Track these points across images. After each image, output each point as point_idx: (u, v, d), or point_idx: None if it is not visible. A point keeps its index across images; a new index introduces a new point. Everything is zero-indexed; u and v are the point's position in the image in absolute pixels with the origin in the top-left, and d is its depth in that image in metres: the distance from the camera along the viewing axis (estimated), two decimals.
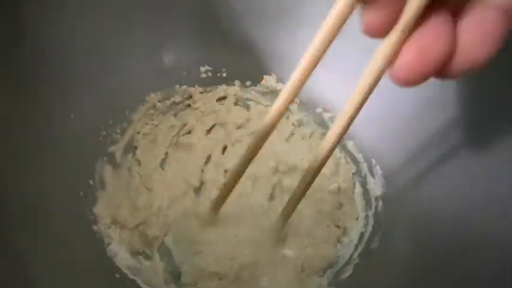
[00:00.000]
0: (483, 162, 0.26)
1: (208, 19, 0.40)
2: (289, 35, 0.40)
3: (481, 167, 0.26)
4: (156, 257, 0.29)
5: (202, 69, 0.42)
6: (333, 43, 0.37)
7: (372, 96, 0.37)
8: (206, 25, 0.40)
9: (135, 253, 0.29)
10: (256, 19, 0.40)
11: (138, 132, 0.37)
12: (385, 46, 0.16)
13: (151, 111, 0.39)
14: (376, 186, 0.35)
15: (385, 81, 0.35)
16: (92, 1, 0.31)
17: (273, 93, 0.44)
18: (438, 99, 0.30)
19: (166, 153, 0.36)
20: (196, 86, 0.42)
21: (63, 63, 0.29)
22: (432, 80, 0.30)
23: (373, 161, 0.36)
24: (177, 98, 0.41)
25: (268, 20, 0.40)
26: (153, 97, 0.39)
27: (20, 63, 0.25)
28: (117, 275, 0.26)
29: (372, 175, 0.36)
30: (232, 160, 0.36)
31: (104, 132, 0.34)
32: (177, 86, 0.41)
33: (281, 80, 0.43)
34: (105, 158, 0.33)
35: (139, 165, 0.35)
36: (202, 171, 0.35)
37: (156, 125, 0.38)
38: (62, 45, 0.29)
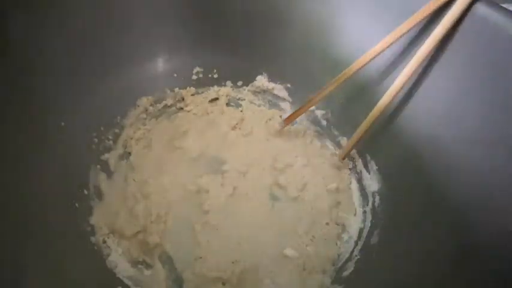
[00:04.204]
0: (480, 155, 0.27)
1: (198, 20, 0.39)
2: (279, 33, 0.40)
3: (478, 160, 0.27)
4: (158, 265, 0.29)
5: (194, 70, 0.42)
6: (323, 44, 0.37)
7: (364, 93, 0.37)
8: (196, 26, 0.39)
9: (135, 263, 0.29)
10: (246, 18, 0.39)
11: (131, 138, 0.36)
12: None
13: (144, 115, 0.38)
14: (372, 182, 0.35)
15: (375, 76, 0.35)
16: (82, 10, 0.30)
17: (265, 93, 0.44)
18: (430, 94, 0.31)
19: (161, 158, 0.36)
20: (188, 87, 0.42)
21: (52, 70, 0.28)
22: (424, 77, 0.31)
23: (368, 157, 0.36)
24: (169, 101, 0.40)
25: (258, 19, 0.40)
26: (145, 101, 0.39)
27: (8, 72, 0.24)
28: (119, 287, 0.26)
29: (367, 170, 0.36)
30: (228, 162, 0.36)
31: (96, 140, 0.33)
32: (168, 88, 0.41)
33: (272, 79, 0.44)
34: (98, 166, 0.32)
35: (134, 171, 0.34)
36: (199, 174, 0.35)
37: (149, 130, 0.38)
38: (52, 53, 0.28)
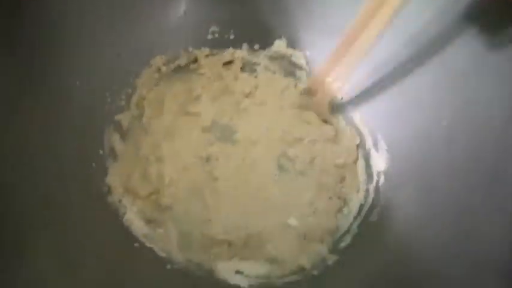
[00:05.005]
0: (489, 142, 0.27)
1: None
2: None
3: (486, 146, 0.27)
4: (169, 224, 0.31)
5: (209, 29, 0.40)
6: (338, 20, 0.35)
7: (384, 70, 0.36)
8: None
9: (149, 221, 0.31)
10: None
11: (144, 99, 0.36)
12: None
13: (156, 75, 0.38)
14: (379, 161, 0.36)
15: (401, 57, 0.34)
16: None
17: (283, 59, 0.42)
18: (453, 82, 0.30)
19: (174, 123, 0.36)
20: (202, 48, 0.40)
21: (66, 31, 0.27)
22: (440, 60, 0.30)
23: (379, 136, 0.36)
24: (182, 61, 0.39)
25: None
26: (158, 60, 0.38)
27: (23, 32, 0.23)
28: (136, 244, 0.28)
29: (376, 149, 0.37)
30: (240, 131, 0.36)
31: (109, 99, 0.33)
32: (182, 48, 0.39)
33: (291, 44, 0.41)
34: (112, 127, 0.33)
35: (147, 134, 0.35)
36: (210, 142, 0.35)
37: (162, 91, 0.37)
38: (65, 11, 0.26)
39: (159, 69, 0.38)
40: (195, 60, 0.40)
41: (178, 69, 0.39)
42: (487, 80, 0.27)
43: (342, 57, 0.32)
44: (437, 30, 0.30)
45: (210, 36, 0.40)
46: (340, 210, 0.35)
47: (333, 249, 0.33)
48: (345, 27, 0.33)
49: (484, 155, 0.27)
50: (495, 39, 0.26)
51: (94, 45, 0.31)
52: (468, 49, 0.27)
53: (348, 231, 0.34)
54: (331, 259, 0.32)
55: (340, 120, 0.40)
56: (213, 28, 0.40)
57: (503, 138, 0.27)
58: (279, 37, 0.41)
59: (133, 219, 0.30)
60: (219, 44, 0.41)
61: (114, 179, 0.30)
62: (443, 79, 0.31)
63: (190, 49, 0.40)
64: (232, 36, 0.41)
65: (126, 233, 0.28)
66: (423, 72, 0.32)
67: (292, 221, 0.33)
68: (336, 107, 0.40)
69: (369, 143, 0.37)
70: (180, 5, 0.37)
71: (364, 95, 0.38)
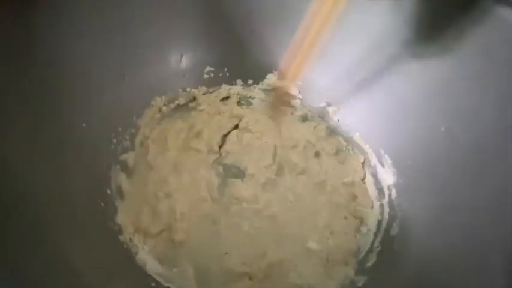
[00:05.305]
0: (485, 139, 0.28)
1: (209, 20, 0.39)
2: (290, 32, 0.40)
3: (485, 144, 0.28)
4: (185, 262, 0.29)
5: (205, 70, 0.42)
6: (333, 41, 0.38)
7: (376, 88, 0.38)
8: (207, 26, 0.40)
9: (162, 260, 0.29)
10: (257, 17, 0.40)
11: (147, 138, 0.36)
12: None
13: (158, 115, 0.38)
14: (387, 176, 0.36)
15: (390, 72, 0.36)
16: (97, 11, 0.30)
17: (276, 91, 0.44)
18: (443, 89, 0.32)
19: (179, 159, 0.35)
20: (200, 87, 0.42)
21: (73, 76, 0.28)
22: (438, 73, 0.32)
23: (382, 152, 0.37)
24: (182, 101, 0.40)
25: (268, 18, 0.40)
26: (158, 101, 0.39)
27: (31, 77, 0.24)
28: (153, 284, 0.26)
29: (382, 165, 0.37)
30: (246, 164, 0.36)
31: (115, 140, 0.33)
32: (181, 88, 0.41)
33: (283, 77, 0.44)
34: (118, 167, 0.32)
35: (153, 171, 0.34)
36: (218, 174, 0.35)
37: (165, 129, 0.38)
38: (73, 58, 0.28)
39: (160, 109, 0.39)
40: (194, 99, 0.41)
41: (179, 108, 0.40)
42: (471, 82, 0.29)
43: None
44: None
45: (206, 76, 0.42)
46: (358, 229, 0.34)
47: (360, 270, 0.31)
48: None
49: (484, 154, 0.28)
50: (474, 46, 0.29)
51: (99, 89, 0.32)
52: (449, 57, 0.30)
53: (371, 249, 0.33)
54: (361, 280, 0.30)
55: (341, 141, 0.40)
56: (208, 68, 0.42)
57: (495, 135, 0.28)
58: (271, 71, 0.43)
59: (146, 258, 0.27)
60: (215, 82, 0.42)
61: (123, 217, 0.29)
62: (432, 87, 0.33)
63: (188, 89, 0.41)
64: (227, 74, 0.43)
65: (142, 273, 0.26)
66: (411, 84, 0.34)
67: (312, 245, 0.32)
68: (334, 129, 0.41)
69: (373, 160, 0.38)
70: (177, 50, 0.40)
71: (359, 115, 0.40)
